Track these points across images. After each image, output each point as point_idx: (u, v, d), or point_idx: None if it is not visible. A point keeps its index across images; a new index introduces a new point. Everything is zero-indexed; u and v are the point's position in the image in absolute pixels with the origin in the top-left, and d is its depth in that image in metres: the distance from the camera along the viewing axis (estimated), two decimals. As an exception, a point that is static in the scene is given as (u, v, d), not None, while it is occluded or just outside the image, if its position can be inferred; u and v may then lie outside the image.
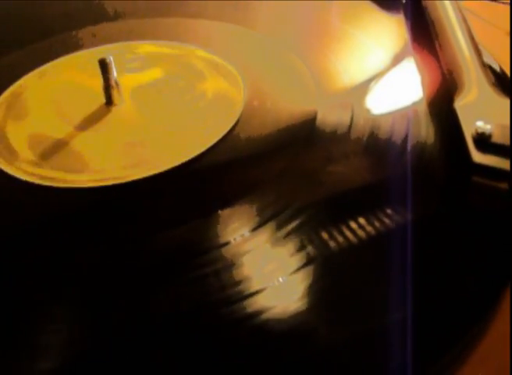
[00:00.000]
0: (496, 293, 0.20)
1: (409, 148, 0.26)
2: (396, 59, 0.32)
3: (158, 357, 0.19)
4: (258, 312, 0.20)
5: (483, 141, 0.24)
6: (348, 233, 0.22)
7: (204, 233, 0.23)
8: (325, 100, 0.29)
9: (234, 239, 0.22)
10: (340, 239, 0.22)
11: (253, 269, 0.21)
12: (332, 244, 0.22)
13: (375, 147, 0.26)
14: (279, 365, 0.18)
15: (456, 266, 0.21)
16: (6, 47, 0.36)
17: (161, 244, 0.23)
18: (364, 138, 0.27)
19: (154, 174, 0.25)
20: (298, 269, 0.21)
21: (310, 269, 0.21)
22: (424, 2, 0.34)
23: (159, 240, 0.23)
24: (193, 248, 0.22)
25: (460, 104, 0.26)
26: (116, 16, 0.38)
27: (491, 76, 0.27)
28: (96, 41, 0.36)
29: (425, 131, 0.27)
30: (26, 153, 0.28)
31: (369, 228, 0.22)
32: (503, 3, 0.39)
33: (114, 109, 0.30)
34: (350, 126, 0.27)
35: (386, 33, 0.35)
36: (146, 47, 0.35)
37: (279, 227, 0.22)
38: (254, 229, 0.22)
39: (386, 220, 0.23)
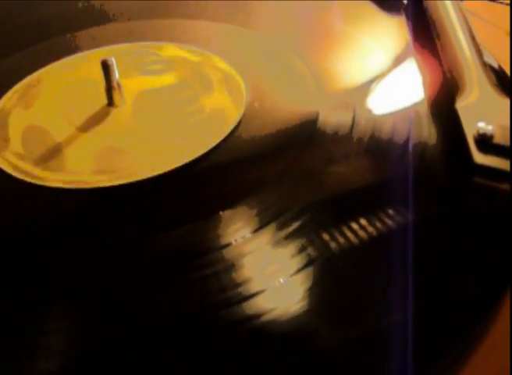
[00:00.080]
0: (496, 294, 0.20)
1: (410, 148, 0.26)
2: (398, 60, 0.32)
3: (158, 358, 0.19)
4: (259, 314, 0.20)
5: (484, 142, 0.24)
6: (349, 234, 0.22)
7: (205, 235, 0.23)
8: (326, 101, 0.29)
9: (235, 240, 0.22)
10: (341, 240, 0.22)
11: (254, 271, 0.21)
12: (333, 245, 0.22)
13: (377, 148, 0.26)
14: (280, 366, 0.18)
15: (457, 266, 0.21)
16: (7, 48, 0.36)
17: (162, 245, 0.23)
18: (366, 139, 0.27)
19: (120, 184, 0.25)
20: (299, 271, 0.21)
21: (311, 270, 0.21)
22: (425, 3, 0.34)
23: (160, 241, 0.23)
24: (194, 250, 0.22)
25: (462, 105, 0.26)
26: (121, 17, 0.38)
27: (492, 76, 0.27)
28: (117, 39, 0.36)
29: (427, 132, 0.27)
30: (16, 144, 0.28)
31: (370, 229, 0.22)
32: (504, 4, 0.39)
33: (112, 112, 0.30)
34: (351, 127, 0.27)
35: (387, 33, 0.35)
36: (170, 49, 0.34)
37: (280, 228, 0.22)
38: (255, 230, 0.22)
39: (387, 221, 0.23)
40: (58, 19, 0.39)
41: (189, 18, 0.37)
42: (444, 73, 0.29)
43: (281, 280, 0.21)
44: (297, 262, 0.21)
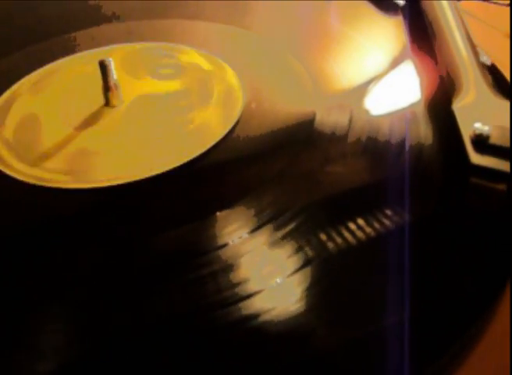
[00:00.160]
0: (493, 293, 0.21)
1: (407, 149, 0.26)
2: (395, 60, 0.32)
3: (155, 358, 0.19)
4: (256, 314, 0.20)
5: (481, 143, 0.24)
6: (346, 235, 0.22)
7: (202, 235, 0.23)
8: (323, 101, 0.29)
9: (232, 241, 0.22)
10: (338, 240, 0.22)
11: (251, 271, 0.21)
12: (330, 245, 0.22)
13: (374, 148, 0.26)
14: (277, 367, 0.18)
15: (454, 266, 0.21)
16: (7, 48, 0.36)
17: (158, 245, 0.23)
18: (363, 139, 0.27)
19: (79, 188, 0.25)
20: (297, 271, 0.21)
21: (308, 270, 0.21)
22: (422, 3, 0.34)
23: (156, 242, 0.23)
24: (191, 250, 0.22)
25: (458, 105, 0.26)
26: (121, 17, 0.38)
27: (489, 77, 0.27)
28: (131, 38, 0.36)
29: (423, 132, 0.27)
30: (8, 131, 0.29)
31: (367, 229, 0.22)
32: (500, 4, 0.39)
33: (106, 112, 0.30)
34: (348, 128, 0.27)
35: (385, 34, 0.35)
36: (188, 53, 0.34)
37: (277, 229, 0.22)
38: (252, 230, 0.23)
39: (384, 221, 0.23)
40: (58, 19, 0.39)
41: (188, 18, 0.37)
42: (441, 73, 0.29)
43: (278, 281, 0.21)
44: (295, 262, 0.21)
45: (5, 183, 0.26)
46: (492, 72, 0.30)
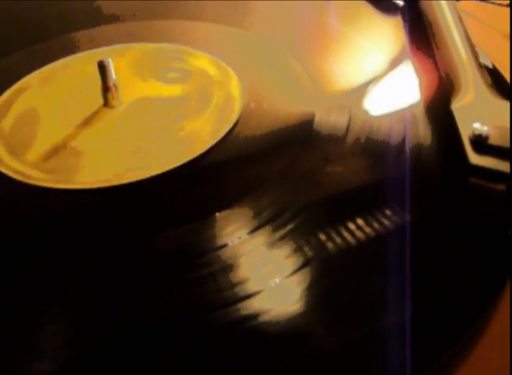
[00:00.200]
0: (493, 293, 0.21)
1: (406, 149, 0.26)
2: (394, 61, 0.32)
3: (154, 358, 0.19)
4: (256, 314, 0.20)
5: (480, 143, 0.24)
6: (346, 235, 0.22)
7: (201, 236, 0.23)
8: (322, 102, 0.29)
9: (232, 241, 0.22)
10: (338, 240, 0.22)
11: (250, 271, 0.21)
12: (329, 245, 0.22)
13: (373, 148, 0.26)
14: (277, 367, 0.18)
15: (453, 266, 0.21)
16: (7, 48, 0.36)
17: (158, 246, 0.23)
18: (362, 140, 0.27)
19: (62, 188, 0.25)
20: (296, 271, 0.21)
21: (308, 270, 0.21)
22: (421, 3, 0.34)
23: (156, 242, 0.23)
24: (190, 250, 0.22)
25: (457, 106, 0.26)
26: (121, 18, 0.38)
27: (488, 77, 0.27)
28: (131, 39, 0.36)
29: (423, 133, 0.27)
30: (7, 124, 0.29)
31: (367, 229, 0.22)
32: (499, 4, 0.39)
33: (105, 113, 0.30)
34: (347, 128, 0.27)
35: (384, 35, 0.35)
36: (199, 58, 0.34)
37: (276, 229, 0.22)
38: (252, 231, 0.23)
39: (384, 221, 0.23)
40: (58, 19, 0.39)
41: (189, 19, 0.37)
42: (440, 74, 0.29)
43: (277, 281, 0.21)
44: (294, 262, 0.21)
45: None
46: (491, 72, 0.30)
